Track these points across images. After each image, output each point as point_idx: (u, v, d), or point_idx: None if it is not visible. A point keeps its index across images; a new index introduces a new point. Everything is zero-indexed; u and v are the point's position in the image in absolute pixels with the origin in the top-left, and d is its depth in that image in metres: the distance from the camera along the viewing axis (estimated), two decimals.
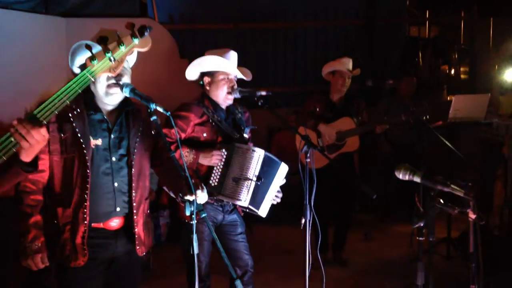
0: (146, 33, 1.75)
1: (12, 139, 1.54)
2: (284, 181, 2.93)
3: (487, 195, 5.19)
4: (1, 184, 1.74)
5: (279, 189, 2.91)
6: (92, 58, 1.67)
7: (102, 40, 1.68)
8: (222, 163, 2.84)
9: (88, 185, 2.12)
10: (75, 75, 2.15)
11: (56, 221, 2.16)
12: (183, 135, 2.87)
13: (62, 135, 2.12)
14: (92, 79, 1.68)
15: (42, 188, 2.17)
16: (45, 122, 1.57)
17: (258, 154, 2.79)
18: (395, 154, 5.63)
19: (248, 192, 2.76)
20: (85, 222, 2.13)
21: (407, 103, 5.24)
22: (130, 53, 1.77)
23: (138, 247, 2.28)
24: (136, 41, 1.74)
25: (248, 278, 2.98)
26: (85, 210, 2.13)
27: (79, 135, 2.11)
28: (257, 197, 2.80)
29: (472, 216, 2.18)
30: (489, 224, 4.78)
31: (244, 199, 2.76)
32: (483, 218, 2.20)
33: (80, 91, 1.65)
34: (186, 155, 2.79)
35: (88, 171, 2.12)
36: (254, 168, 2.78)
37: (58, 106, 1.60)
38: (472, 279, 2.28)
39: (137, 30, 1.74)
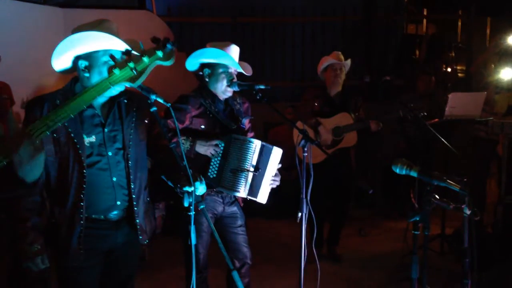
0: (169, 46, 1.75)
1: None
2: (280, 165, 2.93)
3: (481, 193, 5.23)
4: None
5: (276, 172, 2.91)
6: (114, 66, 1.67)
7: (127, 52, 1.69)
8: (220, 155, 2.85)
9: (84, 185, 2.09)
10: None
11: (54, 220, 2.15)
12: (180, 126, 2.87)
13: (55, 135, 2.05)
14: (111, 86, 1.69)
15: (40, 189, 2.11)
16: (38, 140, 1.55)
17: (255, 145, 2.81)
18: (410, 150, 5.56)
19: (246, 183, 2.78)
20: (81, 222, 2.11)
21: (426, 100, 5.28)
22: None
23: (140, 237, 2.28)
24: (159, 54, 1.74)
25: (245, 270, 2.99)
26: (81, 211, 2.10)
27: (72, 135, 2.06)
28: (254, 187, 2.82)
29: (467, 211, 2.20)
30: (482, 221, 4.82)
31: (243, 190, 2.78)
32: (478, 214, 2.23)
33: (97, 96, 1.70)
34: (183, 143, 2.80)
35: (84, 170, 2.09)
36: (251, 158, 2.80)
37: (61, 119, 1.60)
38: (465, 273, 2.31)
39: (161, 43, 1.74)
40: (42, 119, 1.57)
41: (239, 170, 2.77)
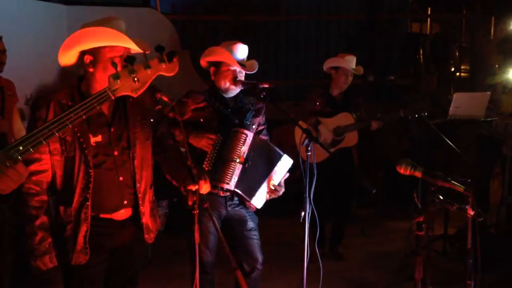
0: (174, 59, 1.73)
1: None
2: (287, 175, 2.90)
3: (484, 193, 5.21)
4: None
5: (281, 184, 2.88)
6: (115, 76, 1.65)
7: (129, 60, 1.67)
8: (217, 148, 2.83)
9: (90, 184, 2.09)
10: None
11: (60, 219, 2.15)
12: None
13: (61, 134, 2.02)
14: (112, 96, 1.65)
15: (47, 188, 2.12)
16: (20, 159, 1.48)
17: (245, 135, 2.78)
18: (414, 150, 5.53)
19: (233, 174, 2.74)
20: (87, 221, 2.10)
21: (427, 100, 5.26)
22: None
23: (146, 235, 2.28)
24: (163, 65, 1.73)
25: (256, 275, 2.95)
26: (87, 210, 2.10)
27: (78, 134, 2.06)
28: (245, 183, 2.78)
29: (471, 212, 2.20)
30: (485, 222, 4.80)
31: (229, 182, 2.73)
32: (482, 214, 2.23)
33: (98, 107, 1.63)
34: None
35: (90, 170, 2.08)
36: (240, 149, 2.77)
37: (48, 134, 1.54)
38: (468, 274, 2.31)
39: (166, 55, 1.72)
40: (47, 123, 1.55)
41: (227, 159, 2.74)
